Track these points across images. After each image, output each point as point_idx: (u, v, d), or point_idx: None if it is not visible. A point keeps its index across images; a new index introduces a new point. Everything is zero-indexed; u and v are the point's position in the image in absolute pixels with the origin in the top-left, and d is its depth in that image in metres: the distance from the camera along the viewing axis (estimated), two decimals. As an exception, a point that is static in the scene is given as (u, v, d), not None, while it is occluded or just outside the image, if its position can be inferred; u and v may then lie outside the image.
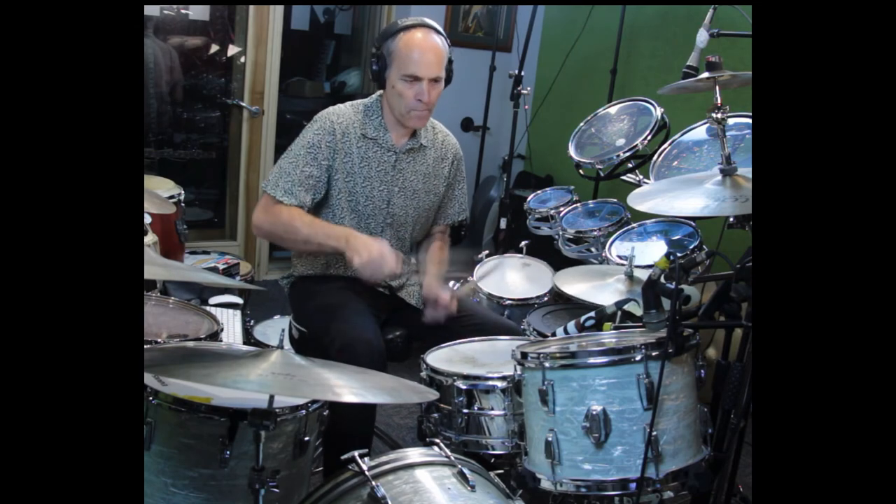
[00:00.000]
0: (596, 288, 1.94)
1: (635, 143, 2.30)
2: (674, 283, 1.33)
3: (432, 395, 1.47)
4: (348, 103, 2.13)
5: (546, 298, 2.57)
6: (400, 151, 2.10)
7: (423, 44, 1.97)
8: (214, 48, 4.03)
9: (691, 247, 2.16)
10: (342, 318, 1.93)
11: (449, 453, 1.32)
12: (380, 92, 2.12)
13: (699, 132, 2.26)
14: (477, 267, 2.78)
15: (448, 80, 2.09)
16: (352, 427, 1.82)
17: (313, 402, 1.46)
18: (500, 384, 1.66)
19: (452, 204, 2.30)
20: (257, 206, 2.05)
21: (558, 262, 2.70)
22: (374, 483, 1.20)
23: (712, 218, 1.58)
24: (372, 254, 1.87)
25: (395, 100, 2.02)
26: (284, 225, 1.98)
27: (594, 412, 1.34)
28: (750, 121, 2.07)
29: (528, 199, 2.91)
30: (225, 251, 3.47)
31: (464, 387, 1.67)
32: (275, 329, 2.57)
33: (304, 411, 1.44)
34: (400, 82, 1.98)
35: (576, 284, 2.00)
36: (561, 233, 2.58)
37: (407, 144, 2.11)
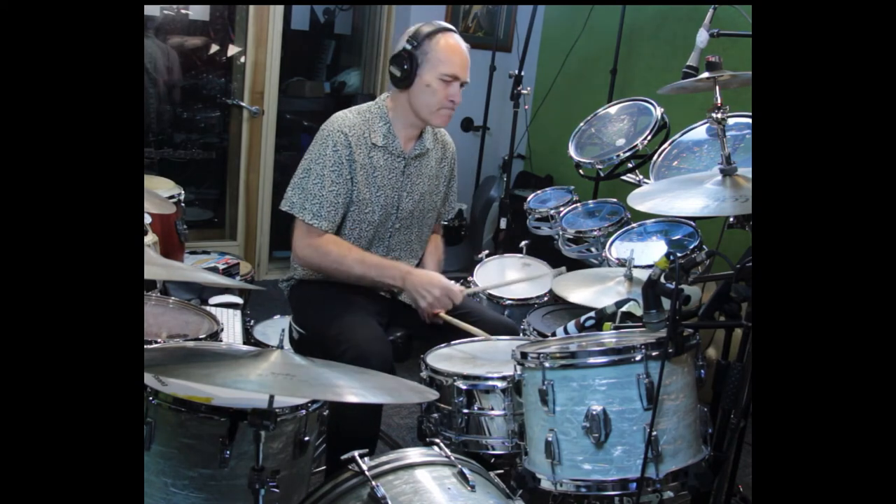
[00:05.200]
0: (596, 293, 1.94)
1: (635, 143, 2.30)
2: (674, 283, 1.33)
3: (432, 395, 1.47)
4: (352, 109, 2.11)
5: (546, 298, 2.57)
6: (409, 157, 2.10)
7: (463, 48, 2.06)
8: (214, 48, 4.03)
9: (691, 247, 2.16)
10: (351, 327, 1.93)
11: (449, 453, 1.32)
12: (384, 95, 2.11)
13: (699, 132, 2.26)
14: (477, 267, 2.79)
15: None
16: (357, 428, 1.82)
17: (313, 402, 1.46)
18: (500, 384, 1.66)
19: (445, 203, 2.31)
20: (295, 234, 2.06)
21: (558, 263, 2.70)
22: (374, 483, 1.20)
23: (712, 218, 1.58)
24: (435, 294, 1.99)
25: (425, 98, 2.02)
26: (335, 263, 2.04)
27: (594, 412, 1.34)
28: (750, 121, 2.07)
29: (528, 199, 2.91)
30: (225, 251, 3.47)
31: (464, 387, 1.67)
32: (275, 329, 2.57)
33: (304, 411, 1.44)
34: (437, 81, 2.00)
35: (576, 290, 1.99)
36: (561, 233, 2.58)
37: (415, 150, 2.11)
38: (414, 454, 1.31)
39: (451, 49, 2.01)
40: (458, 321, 2.01)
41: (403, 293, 2.19)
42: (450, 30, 2.05)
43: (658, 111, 2.35)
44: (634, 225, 2.40)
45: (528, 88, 3.59)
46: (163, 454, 1.36)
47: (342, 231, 2.09)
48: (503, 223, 3.68)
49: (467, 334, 1.98)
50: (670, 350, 1.34)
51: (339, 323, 1.96)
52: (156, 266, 1.43)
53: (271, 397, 1.25)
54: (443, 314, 2.04)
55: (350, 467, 1.26)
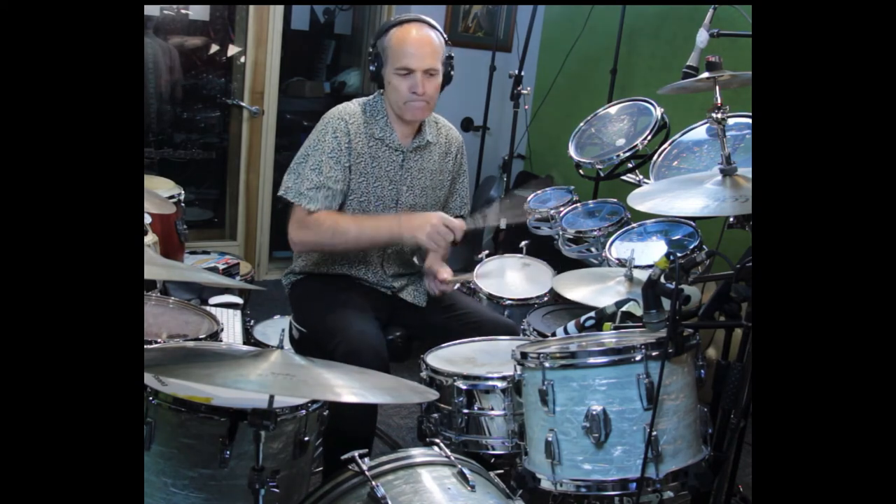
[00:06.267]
0: (596, 292, 1.94)
1: (635, 143, 2.30)
2: (674, 283, 1.33)
3: (432, 395, 1.47)
4: (354, 101, 2.12)
5: (546, 298, 2.57)
6: (407, 150, 2.10)
7: (415, 37, 1.99)
8: (214, 48, 4.03)
9: (691, 247, 2.16)
10: (347, 322, 1.93)
11: (449, 453, 1.32)
12: (380, 91, 2.12)
13: (699, 132, 2.26)
14: (477, 267, 2.78)
15: (448, 79, 2.10)
16: (353, 427, 1.82)
17: (313, 402, 1.46)
18: (500, 384, 1.66)
19: (454, 198, 2.31)
20: (291, 220, 2.04)
21: (558, 262, 2.70)
22: (374, 483, 1.20)
23: (712, 218, 1.58)
24: (433, 225, 1.91)
25: (392, 95, 2.03)
26: (330, 231, 1.99)
27: (594, 412, 1.34)
28: (750, 121, 2.07)
29: (528, 199, 2.91)
30: (225, 251, 3.47)
31: (464, 387, 1.67)
32: (275, 329, 2.57)
33: (304, 411, 1.44)
34: (394, 76, 1.99)
35: (576, 289, 1.99)
36: (561, 233, 2.57)
37: (413, 143, 2.12)
38: (414, 454, 1.31)
39: (400, 41, 1.99)
40: (460, 277, 2.01)
41: (404, 291, 2.19)
42: (407, 21, 2.01)
43: (658, 111, 2.35)
44: (634, 225, 2.39)
45: (528, 88, 3.59)
46: (163, 454, 1.36)
47: None
48: (503, 223, 3.67)
49: (465, 334, 1.97)
50: (670, 350, 1.34)
51: (334, 317, 1.96)
52: (156, 266, 1.43)
53: (271, 397, 1.25)
54: (448, 277, 2.03)
55: (350, 467, 1.26)
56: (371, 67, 2.05)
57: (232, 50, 4.02)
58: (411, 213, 2.05)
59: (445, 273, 2.04)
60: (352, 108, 2.08)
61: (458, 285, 2.05)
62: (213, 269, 3.08)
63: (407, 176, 2.12)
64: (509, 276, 2.77)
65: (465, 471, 1.27)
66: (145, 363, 1.15)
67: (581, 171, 2.49)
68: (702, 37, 2.11)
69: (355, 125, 2.04)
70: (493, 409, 1.66)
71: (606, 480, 1.35)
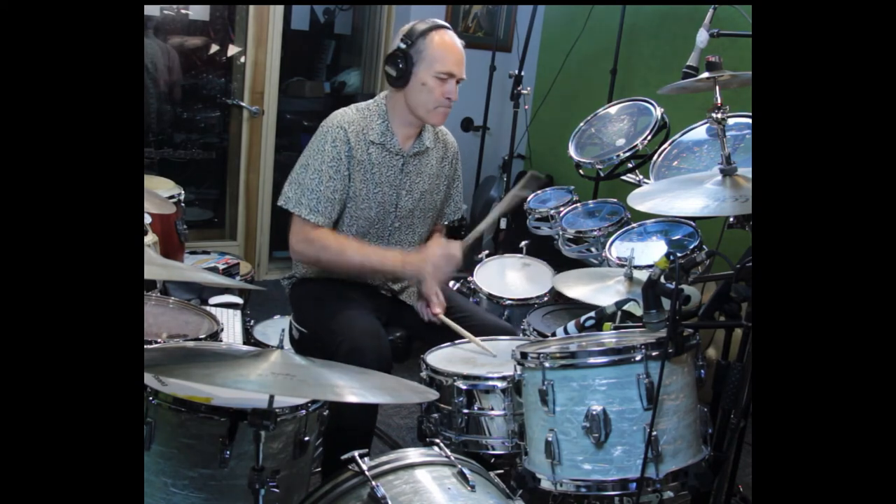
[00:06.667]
0: (596, 290, 1.94)
1: (635, 143, 2.30)
2: (674, 283, 1.33)
3: (432, 395, 1.47)
4: (352, 107, 2.12)
5: (546, 298, 2.57)
6: (407, 155, 2.10)
7: (457, 44, 2.05)
8: (214, 48, 4.03)
9: (691, 247, 2.16)
10: (348, 321, 1.93)
11: (449, 453, 1.32)
12: (383, 94, 2.11)
13: (699, 132, 2.26)
14: (477, 267, 2.78)
15: None
16: (353, 427, 1.82)
17: (313, 402, 1.46)
18: (500, 384, 1.66)
19: (449, 203, 2.31)
20: (292, 231, 2.05)
21: (558, 262, 2.70)
22: (374, 483, 1.20)
23: (712, 218, 1.59)
24: (434, 265, 2.00)
25: (421, 96, 2.02)
26: (334, 254, 2.02)
27: (594, 412, 1.34)
28: (750, 121, 2.07)
29: (528, 199, 2.91)
30: (225, 251, 3.47)
31: (464, 387, 1.67)
32: (275, 329, 2.57)
33: (304, 411, 1.44)
34: (432, 79, 2.00)
35: (576, 287, 2.00)
36: (561, 233, 2.58)
37: (413, 148, 2.11)
38: (414, 454, 1.31)
39: (445, 46, 2.01)
40: (454, 324, 2.01)
41: (404, 293, 2.20)
42: (444, 27, 2.04)
43: (658, 111, 2.35)
44: (634, 225, 2.39)
45: (528, 88, 3.59)
46: (163, 454, 1.36)
47: (340, 227, 2.09)
48: (503, 223, 3.68)
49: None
50: (670, 350, 1.34)
51: (336, 317, 1.96)
52: (156, 266, 1.43)
53: (271, 397, 1.25)
54: (441, 315, 2.04)
55: (350, 467, 1.26)
56: (399, 65, 2.00)
57: (232, 50, 4.02)
58: (412, 253, 2.09)
59: (438, 308, 2.05)
60: (350, 114, 2.07)
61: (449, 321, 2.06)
62: (213, 269, 3.08)
63: (406, 180, 2.12)
64: (509, 276, 2.78)
65: (465, 471, 1.27)
66: (145, 363, 1.15)
67: (581, 171, 2.49)
68: (702, 37, 2.11)
69: (354, 132, 2.03)
70: (493, 409, 1.66)
71: (606, 480, 1.35)
